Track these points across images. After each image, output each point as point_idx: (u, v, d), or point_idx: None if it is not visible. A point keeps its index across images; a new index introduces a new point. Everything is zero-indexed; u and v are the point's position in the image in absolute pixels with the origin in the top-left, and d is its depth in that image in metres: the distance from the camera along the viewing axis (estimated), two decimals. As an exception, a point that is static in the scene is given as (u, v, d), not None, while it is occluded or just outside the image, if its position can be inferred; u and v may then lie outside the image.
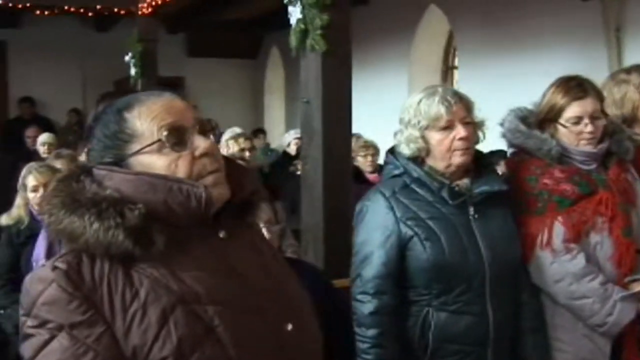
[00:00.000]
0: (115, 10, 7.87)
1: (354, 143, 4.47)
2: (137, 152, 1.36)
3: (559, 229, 2.38)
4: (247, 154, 5.07)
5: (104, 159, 1.38)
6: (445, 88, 2.33)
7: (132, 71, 7.88)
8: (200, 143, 1.38)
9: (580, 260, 2.37)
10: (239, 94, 11.40)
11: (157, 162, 1.36)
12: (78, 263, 1.29)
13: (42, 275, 1.29)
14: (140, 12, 7.36)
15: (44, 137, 6.47)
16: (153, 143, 1.35)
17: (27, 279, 1.32)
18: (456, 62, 7.83)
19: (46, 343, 1.25)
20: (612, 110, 2.83)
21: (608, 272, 2.40)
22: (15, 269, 3.80)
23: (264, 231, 2.24)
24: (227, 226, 1.43)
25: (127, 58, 7.81)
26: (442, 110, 2.25)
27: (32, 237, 3.72)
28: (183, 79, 10.99)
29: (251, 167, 1.60)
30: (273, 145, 8.61)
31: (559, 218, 2.39)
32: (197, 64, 11.00)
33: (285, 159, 6.60)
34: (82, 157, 3.09)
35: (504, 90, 5.35)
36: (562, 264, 2.37)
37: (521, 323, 2.40)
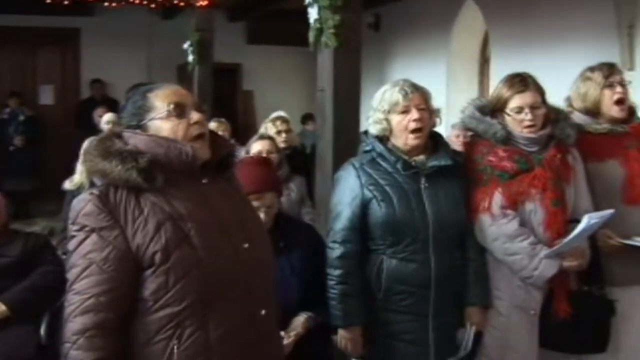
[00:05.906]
0: (176, 2, 8.46)
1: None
2: (152, 118, 2.00)
3: (498, 198, 2.85)
4: (283, 135, 5.52)
5: (130, 122, 2.03)
6: (406, 81, 2.84)
7: (190, 58, 8.49)
8: (194, 116, 2.02)
9: (514, 224, 2.83)
10: (294, 80, 11.63)
11: (164, 126, 2.00)
12: (107, 191, 1.93)
13: (83, 197, 1.95)
14: (198, 4, 7.92)
15: (108, 117, 7.06)
16: (163, 112, 1.99)
17: (74, 200, 1.97)
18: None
19: (83, 240, 1.90)
20: (577, 103, 3.28)
21: (540, 235, 2.85)
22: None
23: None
24: (209, 176, 2.06)
25: (185, 46, 8.39)
26: (400, 97, 2.78)
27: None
28: (240, 65, 11.56)
29: (227, 141, 2.29)
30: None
31: (499, 189, 2.86)
32: (255, 51, 11.45)
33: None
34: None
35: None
36: (499, 226, 2.84)
37: (467, 276, 2.89)
